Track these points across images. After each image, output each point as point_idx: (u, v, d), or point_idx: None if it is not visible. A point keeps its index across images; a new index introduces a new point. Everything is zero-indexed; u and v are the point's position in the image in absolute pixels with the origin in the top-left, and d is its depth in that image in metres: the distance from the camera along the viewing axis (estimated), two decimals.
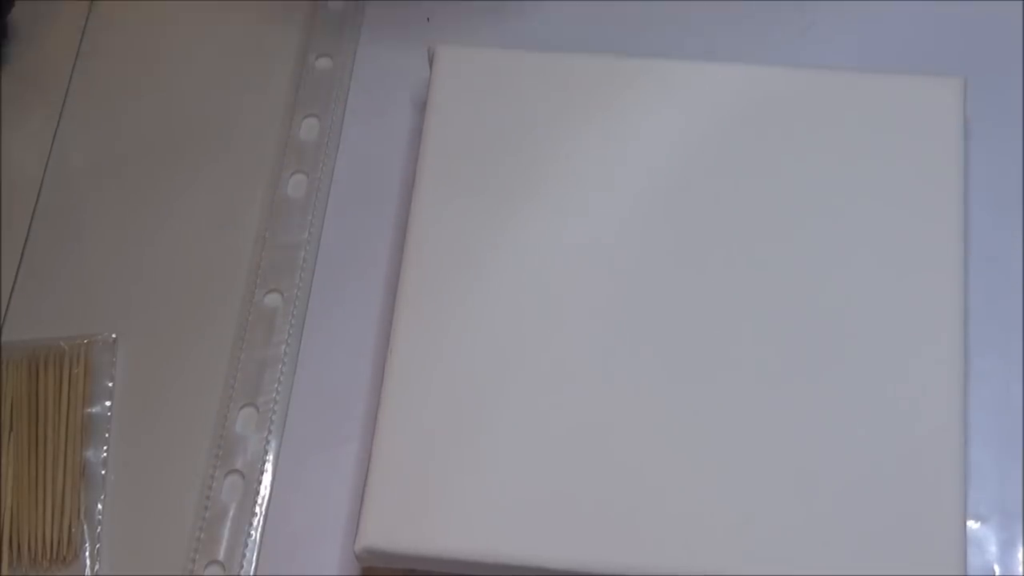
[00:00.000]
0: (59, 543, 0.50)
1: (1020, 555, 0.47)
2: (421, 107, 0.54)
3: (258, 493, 0.50)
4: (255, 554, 0.49)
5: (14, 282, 0.56)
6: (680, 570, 0.44)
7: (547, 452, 0.46)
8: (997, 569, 0.47)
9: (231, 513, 0.50)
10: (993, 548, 0.47)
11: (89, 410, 0.52)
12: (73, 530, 0.50)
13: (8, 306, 0.55)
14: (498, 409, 0.47)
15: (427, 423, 0.47)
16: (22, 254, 0.56)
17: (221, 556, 0.49)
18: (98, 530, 0.50)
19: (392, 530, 0.45)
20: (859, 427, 0.45)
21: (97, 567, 0.50)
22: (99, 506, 0.51)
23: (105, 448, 0.52)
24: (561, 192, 0.50)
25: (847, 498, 0.44)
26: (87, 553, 0.50)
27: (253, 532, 0.50)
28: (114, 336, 0.54)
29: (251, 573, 0.49)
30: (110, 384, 0.53)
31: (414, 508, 0.45)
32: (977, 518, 0.47)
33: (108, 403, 0.53)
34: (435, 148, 0.51)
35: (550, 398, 0.46)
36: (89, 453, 0.52)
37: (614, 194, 0.50)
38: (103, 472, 0.51)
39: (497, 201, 0.50)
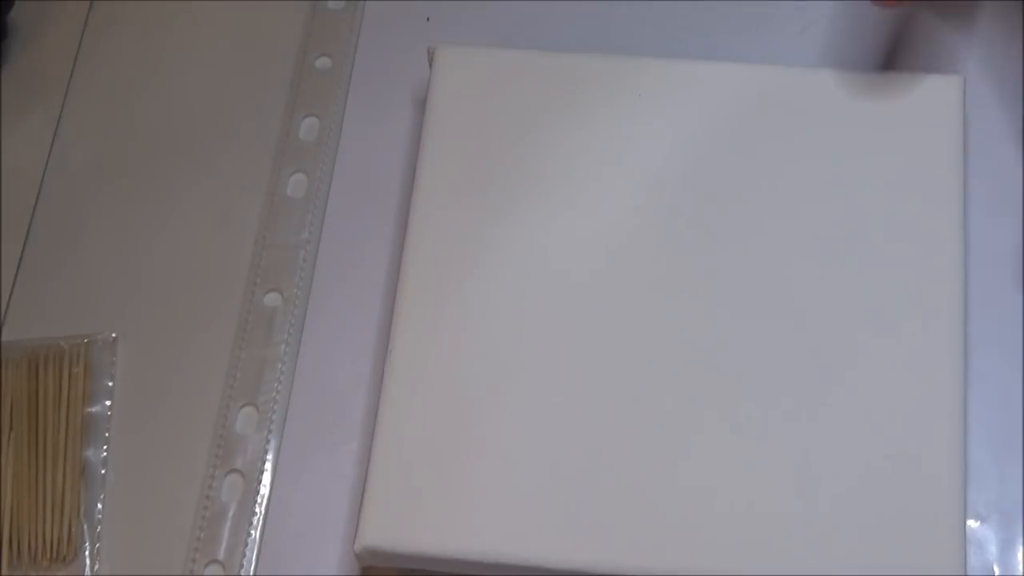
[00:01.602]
0: (59, 542, 0.50)
1: (1020, 555, 0.47)
2: (421, 107, 0.54)
3: (258, 493, 0.50)
4: (255, 554, 0.49)
5: (14, 282, 0.56)
6: (680, 570, 0.44)
7: (547, 452, 0.46)
8: (997, 569, 0.47)
9: (231, 513, 0.50)
10: (993, 548, 0.47)
11: (89, 410, 0.52)
12: (73, 529, 0.50)
13: (8, 306, 0.55)
14: (498, 409, 0.47)
15: (427, 423, 0.47)
16: (22, 254, 0.56)
17: (221, 556, 0.49)
18: (98, 529, 0.50)
19: (392, 530, 0.45)
20: (859, 427, 0.45)
21: (97, 567, 0.50)
22: (99, 505, 0.51)
23: (105, 447, 0.52)
24: (560, 191, 0.50)
25: (847, 498, 0.44)
26: (87, 552, 0.50)
27: (253, 532, 0.50)
28: (114, 336, 0.54)
29: (251, 573, 0.49)
30: (110, 384, 0.53)
31: (414, 508, 0.45)
32: (977, 518, 0.47)
33: (108, 403, 0.53)
34: (435, 148, 0.51)
35: (550, 398, 0.46)
36: (89, 452, 0.52)
37: (614, 193, 0.50)
38: (103, 471, 0.51)
39: (496, 200, 0.50)
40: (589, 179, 0.50)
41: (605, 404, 0.46)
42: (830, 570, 0.43)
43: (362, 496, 0.46)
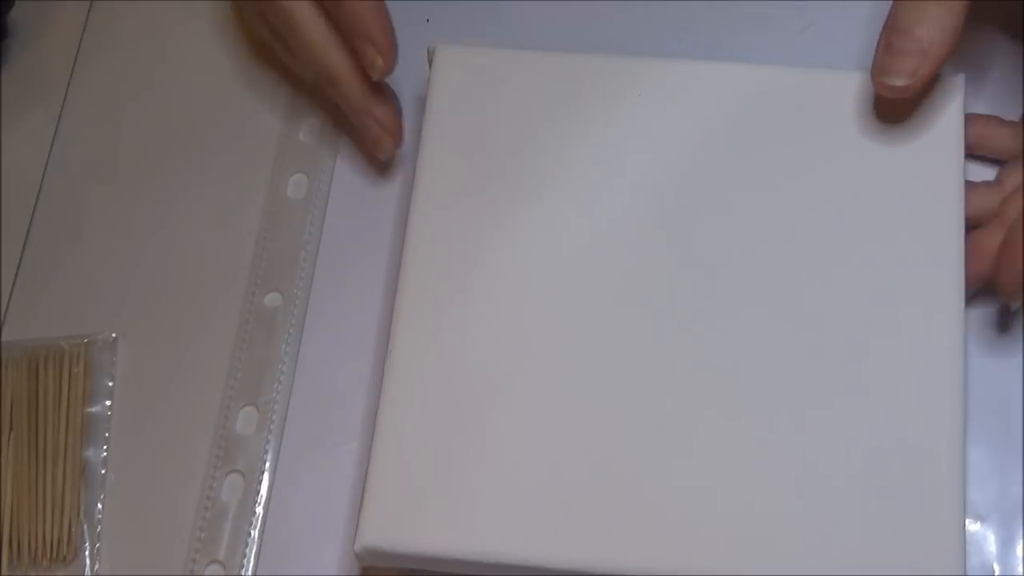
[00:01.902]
0: (59, 542, 0.50)
1: (1020, 555, 0.47)
2: (421, 107, 0.54)
3: (258, 493, 0.50)
4: (255, 554, 0.50)
5: (14, 282, 0.56)
6: (681, 570, 0.44)
7: (548, 451, 0.46)
8: (997, 569, 0.47)
9: (231, 513, 0.50)
10: (992, 548, 0.47)
11: (89, 409, 0.52)
12: (73, 529, 0.50)
13: (8, 306, 0.55)
14: (498, 408, 0.47)
15: (427, 422, 0.47)
16: (22, 254, 0.56)
17: (221, 556, 0.49)
18: (98, 529, 0.50)
19: (392, 529, 0.45)
20: (859, 427, 0.45)
21: (97, 567, 0.50)
22: (99, 505, 0.51)
23: (105, 447, 0.52)
24: (561, 191, 0.50)
25: (847, 498, 0.44)
26: (87, 552, 0.50)
27: (253, 532, 0.50)
28: (114, 336, 0.54)
29: (251, 573, 0.49)
30: (110, 384, 0.53)
31: (414, 508, 0.45)
32: (976, 518, 0.47)
33: (108, 403, 0.53)
34: (435, 148, 0.51)
35: (551, 397, 0.46)
36: (89, 452, 0.52)
37: (614, 192, 0.50)
38: (103, 471, 0.51)
39: (497, 200, 0.50)
40: (589, 177, 0.50)
41: (606, 403, 0.46)
42: (830, 570, 0.43)
43: (362, 496, 0.46)
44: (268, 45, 0.56)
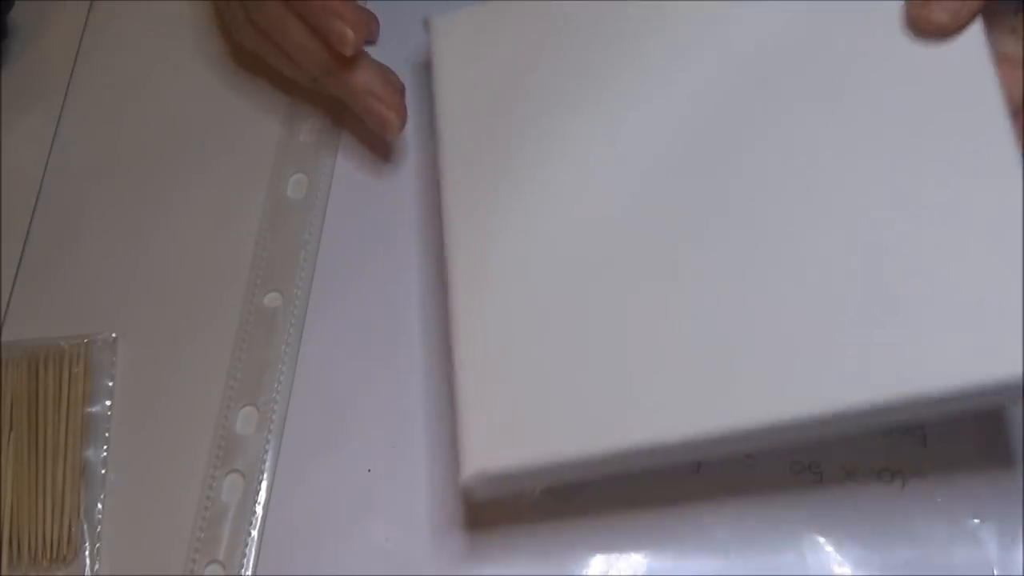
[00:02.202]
0: (59, 542, 0.50)
1: (1020, 555, 0.47)
2: (422, 110, 0.54)
3: (258, 493, 0.50)
4: (255, 554, 0.50)
5: (14, 282, 0.56)
6: (762, 418, 0.43)
7: (621, 334, 0.45)
8: (996, 569, 0.47)
9: (231, 513, 0.50)
10: (993, 548, 0.47)
11: (89, 409, 0.52)
12: (73, 529, 0.50)
13: (8, 306, 0.55)
14: (569, 302, 0.46)
15: (500, 336, 0.46)
16: (22, 254, 0.57)
17: (221, 556, 0.49)
18: (98, 529, 0.50)
19: (494, 450, 0.44)
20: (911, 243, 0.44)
21: (97, 566, 0.50)
22: (99, 505, 0.51)
23: (105, 447, 0.52)
24: (583, 116, 0.49)
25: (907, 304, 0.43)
26: (87, 552, 0.50)
27: (253, 532, 0.50)
28: (114, 336, 0.54)
29: (251, 573, 0.49)
30: (110, 384, 0.53)
31: (510, 423, 0.44)
32: (976, 518, 0.47)
33: (108, 403, 0.53)
34: (452, 112, 0.50)
35: (611, 280, 0.46)
36: (89, 452, 0.52)
37: (639, 113, 0.49)
38: (103, 471, 0.51)
39: (525, 136, 0.49)
40: (606, 102, 0.49)
41: (667, 273, 0.45)
42: (896, 390, 0.42)
43: (457, 426, 0.45)
44: (262, 56, 0.56)
